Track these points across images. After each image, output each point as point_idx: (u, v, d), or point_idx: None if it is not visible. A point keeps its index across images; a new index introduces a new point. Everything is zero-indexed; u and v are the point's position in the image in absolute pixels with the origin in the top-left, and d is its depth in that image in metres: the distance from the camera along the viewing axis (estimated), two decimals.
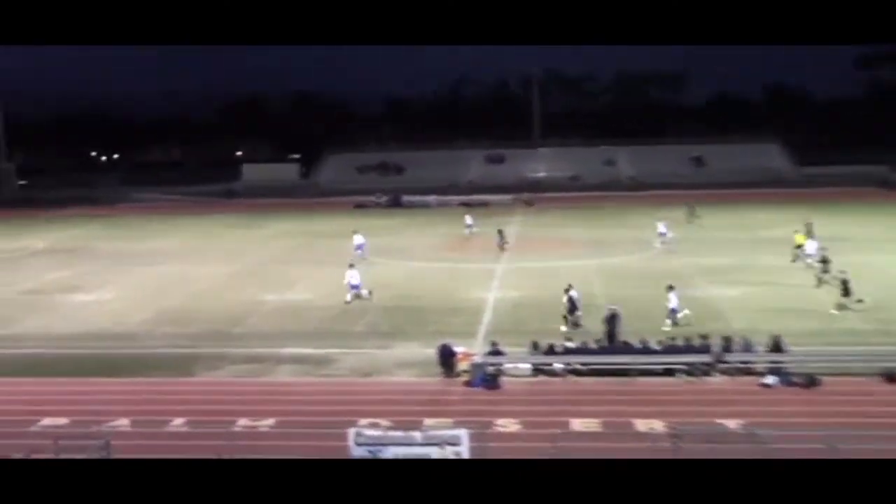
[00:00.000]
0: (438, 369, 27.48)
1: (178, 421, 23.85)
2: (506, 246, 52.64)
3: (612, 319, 29.73)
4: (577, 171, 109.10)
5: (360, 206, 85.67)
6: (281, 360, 29.95)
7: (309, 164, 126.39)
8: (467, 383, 26.56)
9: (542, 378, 27.16)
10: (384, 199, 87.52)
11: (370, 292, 39.08)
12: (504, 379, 26.76)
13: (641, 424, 22.56)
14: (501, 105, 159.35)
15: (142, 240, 62.95)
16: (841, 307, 34.01)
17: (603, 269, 45.49)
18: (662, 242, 51.99)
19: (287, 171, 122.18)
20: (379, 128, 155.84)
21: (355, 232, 52.10)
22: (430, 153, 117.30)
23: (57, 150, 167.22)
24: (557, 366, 27.39)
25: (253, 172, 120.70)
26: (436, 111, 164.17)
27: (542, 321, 33.68)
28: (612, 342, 29.00)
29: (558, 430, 20.92)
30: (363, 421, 22.15)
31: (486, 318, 35.21)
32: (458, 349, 27.95)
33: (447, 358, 27.49)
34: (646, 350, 27.79)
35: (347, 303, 38.24)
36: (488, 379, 26.42)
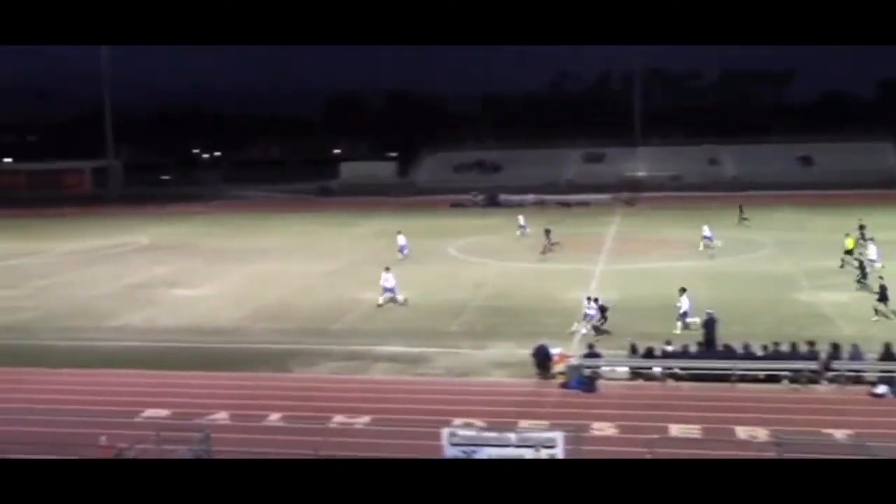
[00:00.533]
0: (534, 370, 27.42)
1: (275, 416, 24.34)
2: (552, 247, 51.96)
3: (709, 324, 29.20)
4: (678, 170, 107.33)
5: (456, 204, 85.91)
6: (377, 358, 30.28)
7: (406, 162, 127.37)
8: (563, 385, 26.42)
9: (639, 382, 26.85)
10: (481, 197, 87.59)
11: (405, 300, 38.54)
12: (601, 381, 26.54)
13: (743, 432, 22.11)
14: (601, 102, 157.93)
15: (241, 237, 64.38)
16: (879, 312, 33.13)
17: (704, 271, 44.66)
18: (706, 246, 50.81)
19: (384, 170, 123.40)
20: (476, 126, 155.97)
21: (399, 232, 52.22)
22: (527, 151, 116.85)
23: (161, 148, 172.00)
24: (656, 369, 27.03)
25: (351, 170, 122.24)
26: (534, 109, 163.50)
27: (641, 323, 33.28)
28: (711, 347, 28.47)
29: (656, 435, 20.66)
30: (457, 421, 22.25)
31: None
32: (555, 350, 27.82)
33: (543, 359, 27.39)
34: (748, 355, 27.20)
35: (379, 305, 37.99)
36: (585, 381, 26.23)
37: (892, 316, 33.20)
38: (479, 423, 22.18)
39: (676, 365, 27.10)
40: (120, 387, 27.71)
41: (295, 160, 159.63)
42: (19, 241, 65.70)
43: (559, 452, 18.38)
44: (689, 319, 32.04)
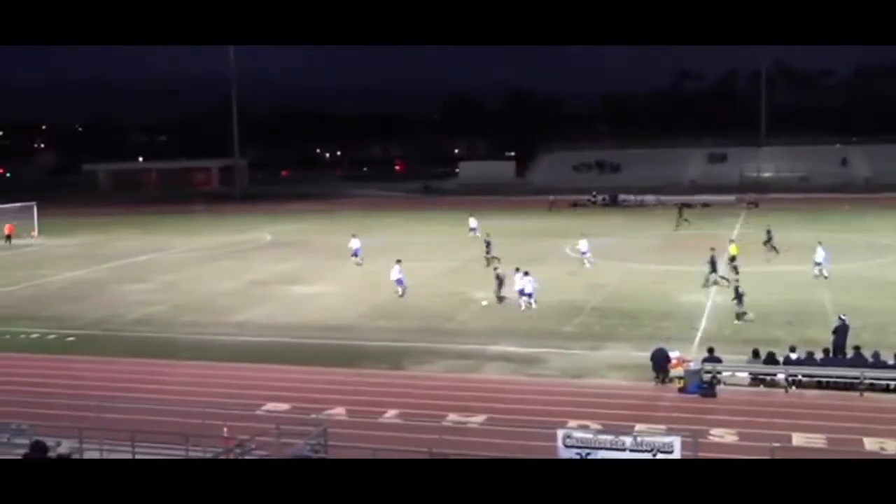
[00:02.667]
0: (651, 373, 27.02)
1: (391, 413, 24.66)
2: (494, 261, 47.09)
3: (840, 330, 28.18)
4: (806, 170, 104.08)
5: (575, 204, 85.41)
6: (490, 358, 30.35)
7: (524, 161, 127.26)
8: (681, 389, 25.95)
9: (761, 388, 26.16)
10: (600, 197, 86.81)
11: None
12: (720, 387, 25.96)
13: (871, 443, 21.30)
14: (725, 101, 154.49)
15: (358, 235, 65.27)
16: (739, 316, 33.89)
17: (832, 275, 43.14)
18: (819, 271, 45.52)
19: (503, 169, 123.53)
20: (595, 125, 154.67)
21: (471, 215, 51.83)
22: (647, 151, 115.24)
23: (284, 147, 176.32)
24: (779, 376, 26.29)
25: (469, 170, 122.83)
26: (655, 108, 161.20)
27: (763, 328, 32.43)
28: (839, 354, 27.50)
29: (778, 444, 20.09)
30: (572, 423, 22.11)
31: (703, 323, 34.26)
32: (673, 354, 27.37)
33: (661, 362, 26.96)
34: (879, 363, 26.18)
35: (400, 296, 40.49)
36: (704, 386, 25.71)
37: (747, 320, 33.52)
38: (594, 425, 22.00)
39: (801, 372, 26.30)
40: (242, 380, 28.53)
41: (414, 159, 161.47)
42: (150, 237, 68.31)
43: (676, 458, 18.07)
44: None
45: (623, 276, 45.41)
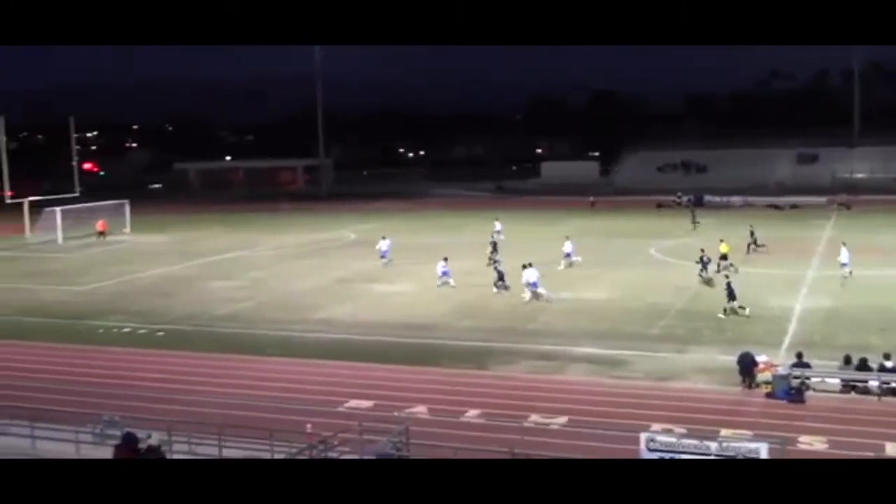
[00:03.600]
0: (737, 378, 26.50)
1: (473, 412, 24.67)
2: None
3: None
4: None
5: (660, 205, 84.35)
6: (574, 359, 30.14)
7: (608, 162, 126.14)
8: (769, 395, 25.39)
9: (853, 395, 25.45)
10: (685, 198, 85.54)
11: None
12: (809, 393, 25.33)
13: None
14: (816, 100, 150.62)
15: (440, 234, 65.55)
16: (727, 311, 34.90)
17: None
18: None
19: (586, 169, 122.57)
20: (680, 125, 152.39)
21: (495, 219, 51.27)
22: (734, 151, 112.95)
23: (368, 147, 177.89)
24: (872, 383, 25.54)
25: (552, 170, 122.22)
26: (741, 107, 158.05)
27: (855, 334, 31.56)
28: None
29: (871, 454, 19.54)
30: (656, 426, 21.82)
31: (792, 327, 33.49)
32: (761, 358, 26.79)
33: (748, 367, 26.42)
34: None
35: (452, 286, 42.64)
36: (792, 392, 25.11)
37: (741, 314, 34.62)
38: (678, 429, 21.66)
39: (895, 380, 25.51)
40: (325, 377, 28.86)
41: (497, 159, 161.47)
42: (238, 235, 69.56)
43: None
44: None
45: (708, 277, 44.55)
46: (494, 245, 51.62)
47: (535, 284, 39.69)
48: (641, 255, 52.49)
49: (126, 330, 36.69)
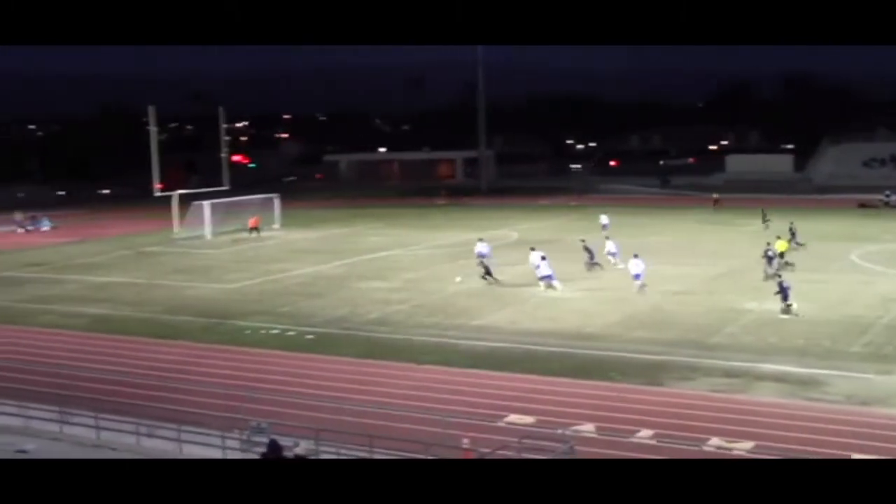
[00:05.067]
0: None
1: (645, 432, 24.33)
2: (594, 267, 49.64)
3: None
4: None
5: (864, 205, 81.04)
6: (760, 378, 29.30)
7: (804, 155, 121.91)
8: None
9: None
10: (895, 197, 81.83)
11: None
12: None
13: None
14: None
15: (610, 234, 64.82)
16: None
17: None
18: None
19: (778, 163, 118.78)
20: (890, 115, 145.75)
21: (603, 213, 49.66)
22: None
23: (534, 138, 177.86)
24: None
25: (739, 164, 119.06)
26: None
27: None
28: None
29: None
30: (856, 457, 20.96)
31: None
32: None
33: None
34: None
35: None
36: None
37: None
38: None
39: None
40: (483, 388, 29.04)
41: (676, 152, 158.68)
42: (392, 232, 70.91)
43: None
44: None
45: None
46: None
47: (638, 276, 42.76)
48: (841, 262, 50.52)
49: (274, 331, 37.96)
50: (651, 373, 30.17)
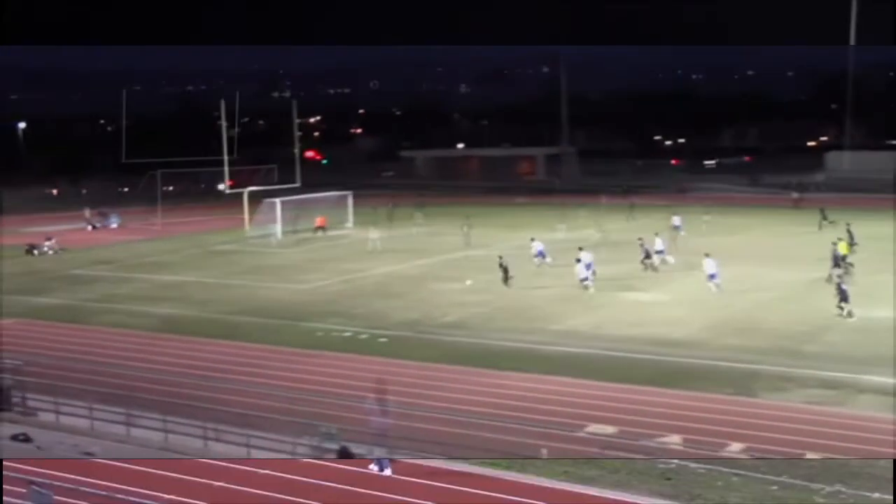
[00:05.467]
0: None
1: (736, 446, 24.02)
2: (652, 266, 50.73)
3: None
4: None
5: None
6: (861, 389, 28.74)
7: None
8: None
9: None
10: None
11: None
12: None
13: None
14: None
15: (701, 236, 63.95)
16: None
17: None
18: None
19: (885, 161, 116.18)
20: None
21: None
22: None
23: (619, 134, 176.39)
24: None
25: (839, 161, 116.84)
26: None
27: None
28: None
29: None
30: None
31: None
32: None
33: None
34: None
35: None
36: None
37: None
38: None
39: None
40: (563, 396, 28.91)
41: (773, 149, 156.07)
42: (470, 231, 70.77)
43: None
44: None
45: None
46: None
47: (713, 276, 43.61)
48: None
49: (347, 334, 38.27)
50: (741, 382, 29.76)
